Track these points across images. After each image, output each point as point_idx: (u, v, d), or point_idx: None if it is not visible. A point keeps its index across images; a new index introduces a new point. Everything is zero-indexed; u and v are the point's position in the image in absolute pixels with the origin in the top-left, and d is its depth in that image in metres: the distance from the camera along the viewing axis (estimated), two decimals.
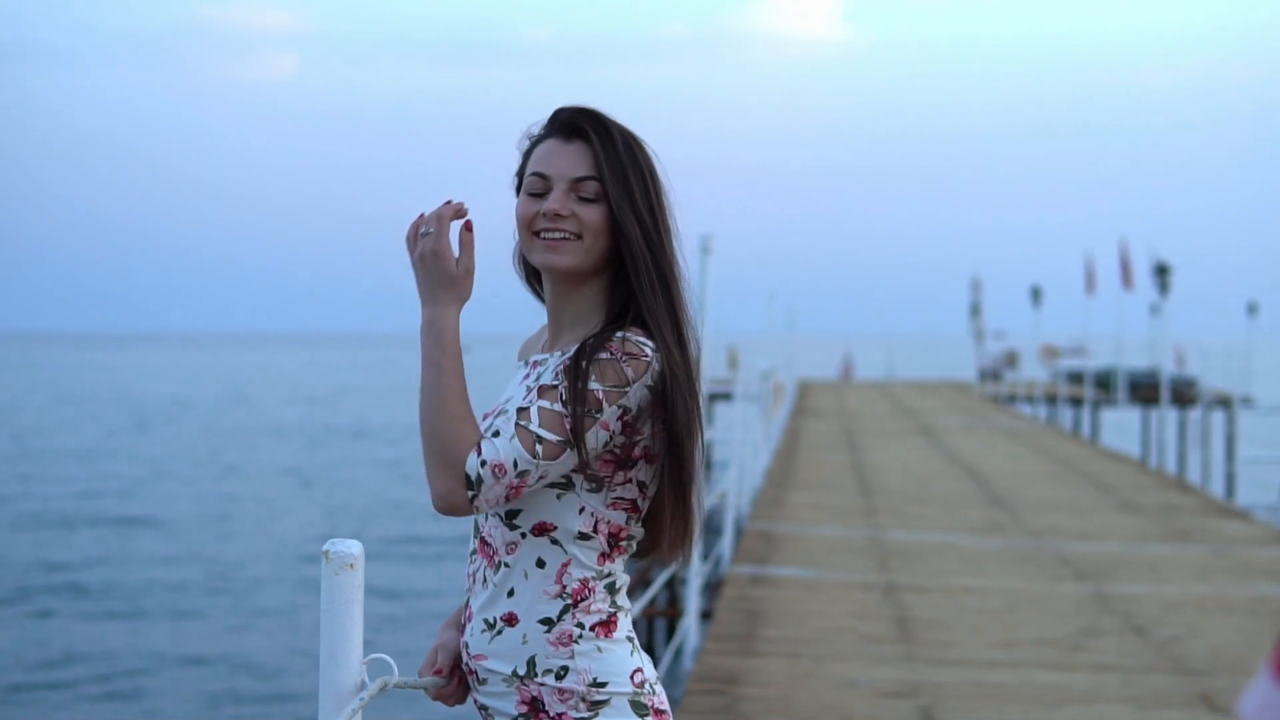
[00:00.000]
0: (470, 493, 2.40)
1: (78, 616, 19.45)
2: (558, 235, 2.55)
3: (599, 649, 2.48)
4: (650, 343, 2.48)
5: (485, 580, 2.55)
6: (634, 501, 2.52)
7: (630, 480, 2.51)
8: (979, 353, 49.05)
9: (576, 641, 2.48)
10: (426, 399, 2.45)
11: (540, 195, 2.57)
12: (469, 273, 2.51)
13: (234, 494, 34.17)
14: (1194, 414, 28.84)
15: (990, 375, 47.13)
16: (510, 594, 2.51)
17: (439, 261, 2.48)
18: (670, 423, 2.48)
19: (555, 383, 2.46)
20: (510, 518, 2.51)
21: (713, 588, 12.17)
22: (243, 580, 22.17)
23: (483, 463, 2.40)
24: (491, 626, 2.52)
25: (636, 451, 2.49)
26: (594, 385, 2.43)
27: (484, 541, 2.56)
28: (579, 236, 2.54)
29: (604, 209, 2.54)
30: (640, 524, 2.55)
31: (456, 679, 2.64)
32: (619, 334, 2.48)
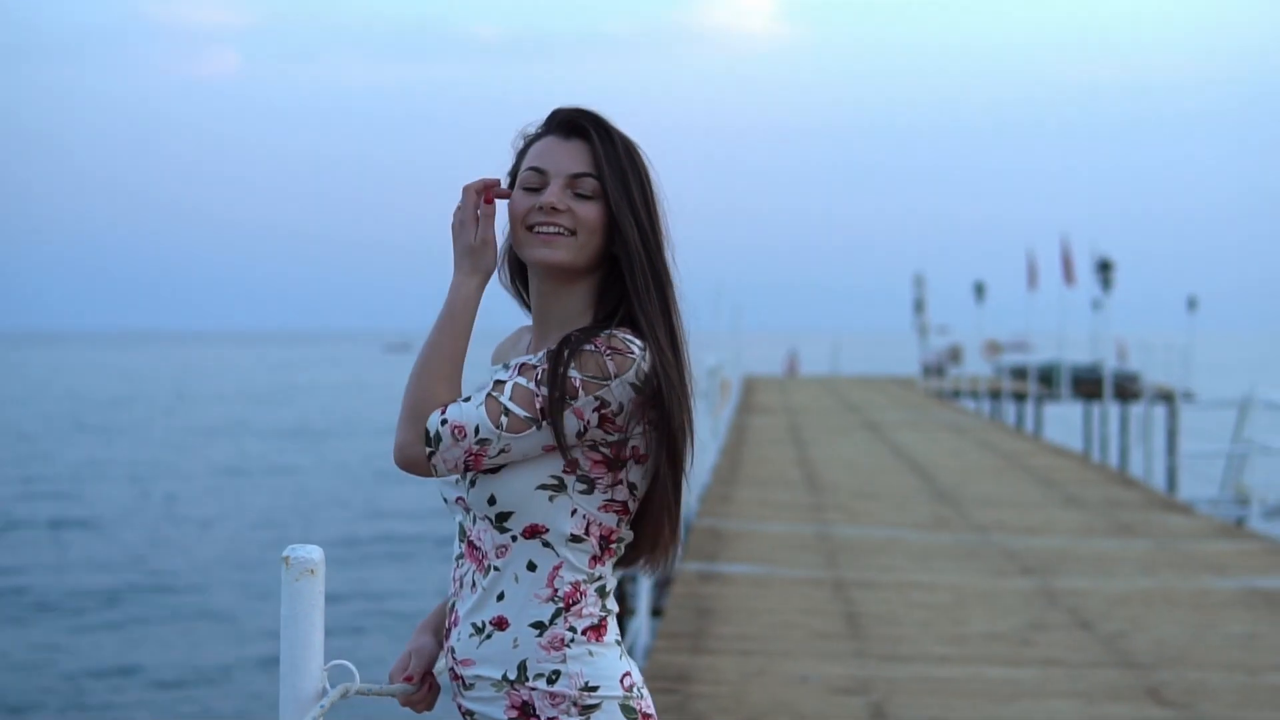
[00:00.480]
0: (429, 449, 2.40)
1: (8, 622, 19.12)
2: (552, 230, 2.52)
3: (590, 653, 2.46)
4: (638, 341, 2.45)
5: (474, 584, 2.51)
6: (625, 504, 2.50)
7: (621, 482, 2.48)
8: (923, 348, 49.27)
9: (568, 645, 2.45)
10: (420, 355, 2.46)
11: (536, 190, 2.53)
12: (485, 243, 2.51)
13: (173, 494, 33.62)
14: (1136, 408, 29.06)
15: (934, 370, 47.37)
16: (500, 598, 2.48)
17: (462, 232, 2.51)
18: (664, 425, 2.46)
19: (536, 363, 2.44)
20: (501, 520, 2.48)
21: (662, 585, 12.17)
22: (184, 585, 21.77)
23: (443, 421, 2.39)
24: (480, 631, 2.48)
25: (626, 452, 2.47)
26: (572, 373, 2.40)
27: (472, 545, 2.53)
28: (573, 232, 2.51)
29: (600, 207, 2.52)
30: (630, 527, 2.53)
31: (426, 685, 2.61)
32: (606, 330, 2.46)
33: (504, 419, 2.38)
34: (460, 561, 2.55)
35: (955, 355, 50.27)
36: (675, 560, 2.62)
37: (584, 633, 2.47)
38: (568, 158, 2.53)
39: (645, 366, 2.44)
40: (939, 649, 8.48)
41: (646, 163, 2.57)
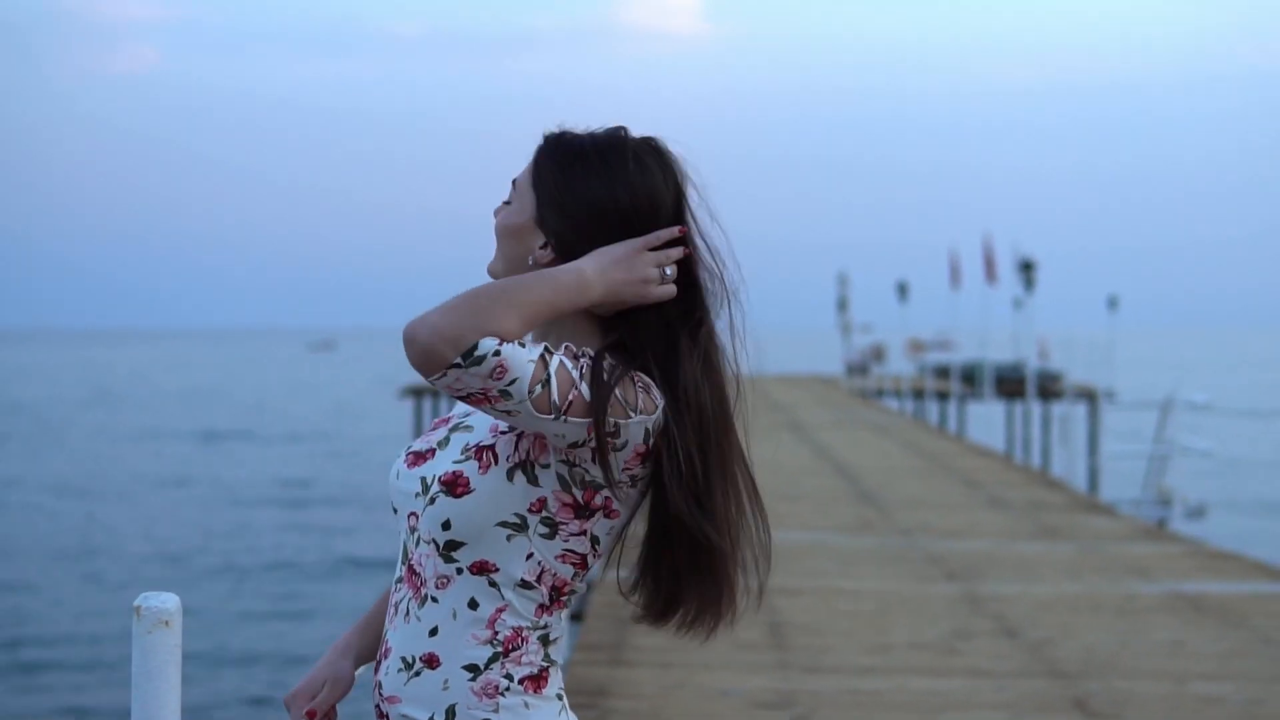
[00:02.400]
0: (459, 359, 2.11)
1: None
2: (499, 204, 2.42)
3: (526, 704, 2.24)
4: (658, 395, 2.27)
5: (408, 613, 2.28)
6: (584, 557, 2.28)
7: (585, 533, 2.26)
8: (846, 347, 49.39)
9: (503, 694, 2.23)
10: (513, 281, 2.21)
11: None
12: (646, 283, 2.29)
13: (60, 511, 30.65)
14: (1058, 407, 29.19)
15: (857, 369, 47.47)
16: (434, 633, 2.25)
17: (641, 298, 2.28)
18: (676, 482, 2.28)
19: (580, 354, 2.22)
20: (449, 549, 2.25)
21: (584, 591, 11.98)
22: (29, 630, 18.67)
23: (497, 352, 2.12)
24: (409, 666, 2.26)
25: (597, 501, 2.26)
26: (617, 392, 2.21)
27: (412, 570, 2.30)
28: (508, 203, 2.38)
29: (508, 210, 2.38)
30: (584, 580, 2.32)
31: (326, 717, 2.41)
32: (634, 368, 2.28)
33: (539, 389, 2.14)
34: (399, 586, 2.32)
35: (879, 354, 50.44)
36: (735, 619, 2.45)
37: (521, 682, 2.24)
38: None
39: (661, 416, 2.26)
40: (863, 659, 8.31)
41: (615, 162, 2.34)
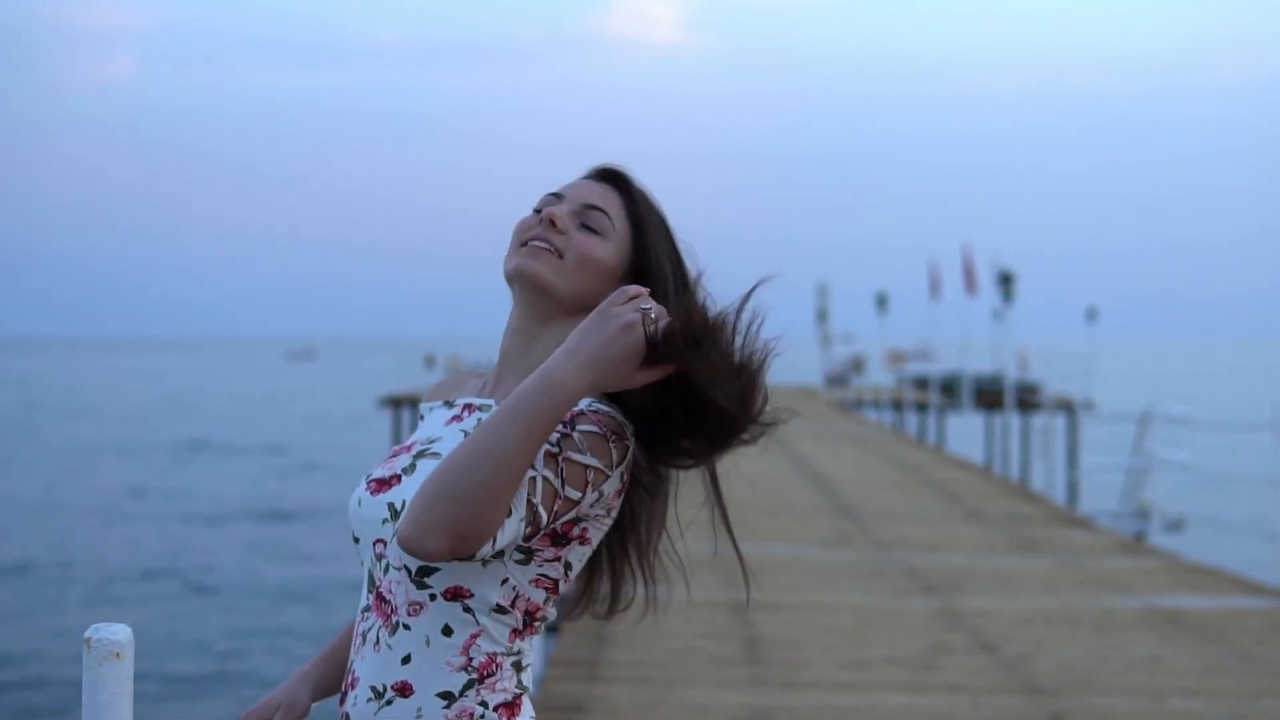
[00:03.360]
0: (454, 558, 2.09)
1: None
2: (543, 245, 2.31)
3: None
4: (621, 417, 2.24)
5: (378, 642, 2.23)
6: (557, 582, 2.25)
7: (559, 559, 2.24)
8: (825, 358, 49.41)
9: None
10: (499, 453, 2.06)
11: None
12: (630, 380, 2.15)
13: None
14: (1038, 419, 29.21)
15: (837, 380, 47.49)
16: (406, 660, 2.21)
17: (635, 348, 2.12)
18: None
19: (556, 451, 2.15)
20: (421, 575, 2.20)
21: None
22: None
23: (494, 548, 2.10)
24: (380, 695, 2.21)
25: (575, 532, 2.23)
26: (590, 462, 2.16)
27: (381, 598, 2.25)
28: (561, 255, 2.30)
29: (602, 246, 2.32)
30: (555, 606, 2.29)
31: None
32: (591, 404, 2.22)
33: (526, 527, 2.13)
34: (366, 615, 2.27)
35: (858, 365, 50.52)
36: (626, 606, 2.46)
37: (496, 709, 2.21)
38: (589, 191, 2.35)
39: (633, 450, 2.24)
40: (840, 675, 8.27)
41: (678, 241, 2.40)
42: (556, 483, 2.13)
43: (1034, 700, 7.73)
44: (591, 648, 8.66)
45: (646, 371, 2.13)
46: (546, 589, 2.23)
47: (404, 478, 2.25)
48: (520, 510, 2.11)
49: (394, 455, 2.34)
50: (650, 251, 2.34)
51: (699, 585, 11.11)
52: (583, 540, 2.24)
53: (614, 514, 2.27)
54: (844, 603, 10.51)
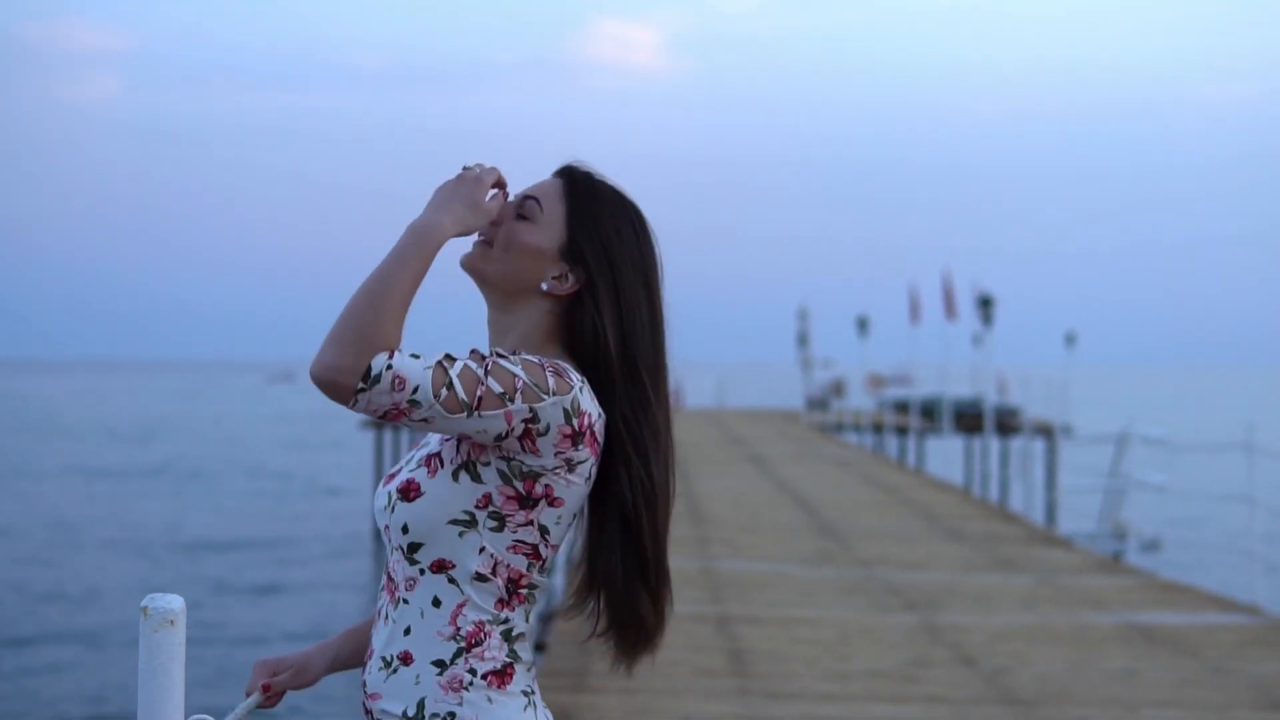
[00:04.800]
0: (360, 385, 2.28)
1: None
2: (480, 238, 2.54)
3: (489, 699, 2.39)
4: (579, 376, 2.43)
5: (387, 617, 2.46)
6: (535, 547, 2.43)
7: (531, 522, 2.41)
8: (806, 381, 49.59)
9: (467, 689, 2.38)
10: (375, 281, 2.33)
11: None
12: (489, 214, 2.48)
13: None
14: (1016, 443, 29.44)
15: (818, 404, 47.68)
16: (407, 632, 2.42)
17: (477, 186, 2.45)
18: (617, 481, 2.46)
19: (487, 355, 2.38)
20: (411, 551, 2.42)
21: (545, 620, 12.05)
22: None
23: (389, 366, 2.28)
24: (388, 665, 2.43)
25: (539, 490, 2.40)
26: (518, 371, 2.35)
27: (389, 577, 2.48)
28: (492, 244, 2.52)
29: (531, 230, 2.51)
30: (543, 573, 2.47)
31: (274, 696, 2.58)
32: (555, 360, 2.44)
33: (444, 392, 2.30)
34: (381, 594, 2.51)
35: (839, 389, 50.69)
36: (655, 650, 2.58)
37: (484, 677, 2.39)
38: (538, 184, 2.56)
39: (583, 400, 2.40)
40: (823, 686, 8.44)
41: (638, 224, 2.56)
42: (479, 372, 2.32)
43: (1012, 711, 7.91)
44: (579, 659, 8.82)
45: (492, 206, 2.47)
46: (525, 554, 2.41)
47: (404, 469, 2.49)
48: (428, 362, 2.30)
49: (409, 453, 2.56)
50: (580, 229, 2.51)
51: (684, 600, 11.28)
52: (550, 500, 2.41)
53: (581, 474, 2.42)
54: (826, 617, 10.68)
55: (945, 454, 34.32)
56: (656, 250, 2.57)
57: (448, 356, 2.34)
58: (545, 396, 2.36)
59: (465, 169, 2.49)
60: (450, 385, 2.30)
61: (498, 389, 2.32)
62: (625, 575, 2.49)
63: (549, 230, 2.52)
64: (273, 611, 22.14)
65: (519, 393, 2.33)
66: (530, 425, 2.35)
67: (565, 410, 2.37)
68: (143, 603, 2.23)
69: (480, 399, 2.31)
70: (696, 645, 9.44)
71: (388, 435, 32.93)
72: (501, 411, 2.32)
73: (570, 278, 2.50)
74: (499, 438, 2.35)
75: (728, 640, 9.67)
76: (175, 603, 2.25)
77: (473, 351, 2.39)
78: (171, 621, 2.23)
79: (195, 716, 2.34)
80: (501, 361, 2.35)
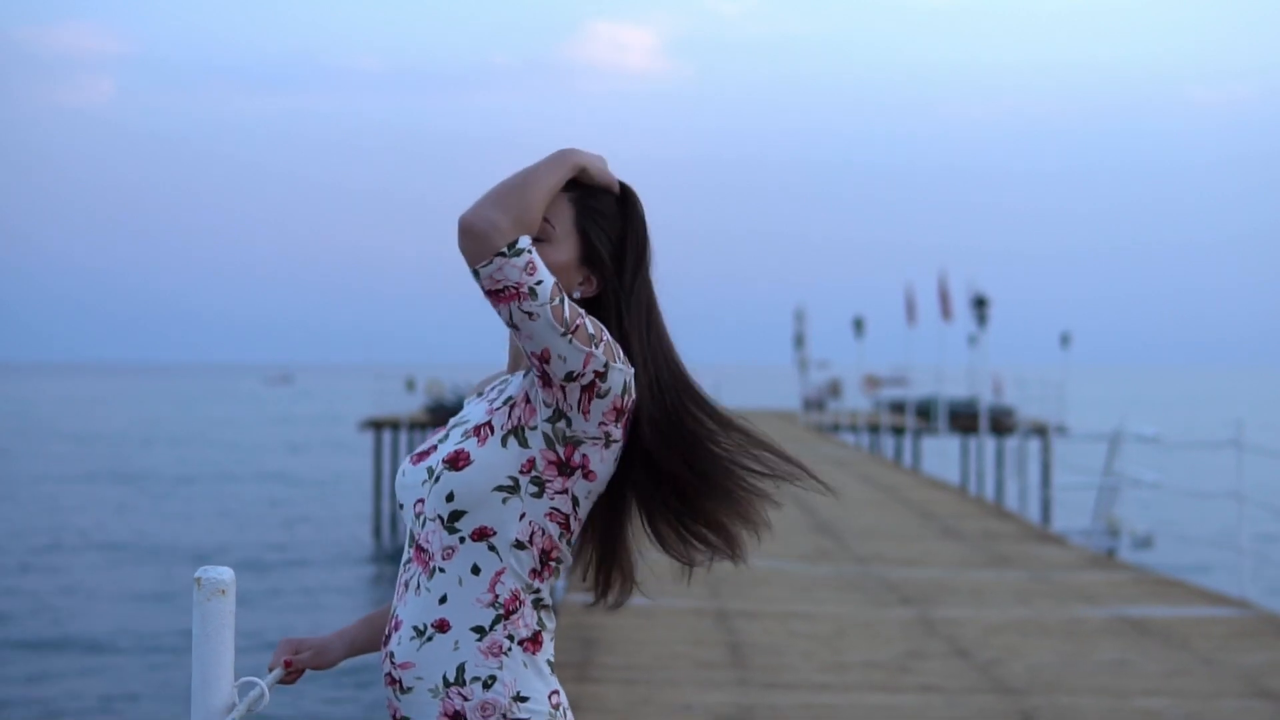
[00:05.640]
0: (503, 251, 2.49)
1: None
2: None
3: (525, 664, 2.56)
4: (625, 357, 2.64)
5: (418, 587, 2.60)
6: (568, 517, 2.62)
7: (566, 491, 2.60)
8: (803, 382, 49.77)
9: (506, 654, 2.55)
10: (530, 173, 2.56)
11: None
12: (606, 178, 2.70)
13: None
14: (1011, 442, 29.64)
15: (814, 405, 47.88)
16: (443, 600, 2.57)
17: (593, 162, 2.68)
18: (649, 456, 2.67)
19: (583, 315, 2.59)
20: (453, 520, 2.58)
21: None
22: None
23: (530, 250, 2.50)
24: (422, 634, 2.57)
25: (576, 458, 2.60)
26: (606, 335, 2.57)
27: (419, 548, 2.62)
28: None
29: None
30: (570, 546, 2.65)
31: (294, 672, 2.74)
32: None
33: (558, 301, 2.51)
34: (407, 566, 2.64)
35: (835, 390, 50.88)
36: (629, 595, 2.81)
37: (520, 643, 2.56)
38: (552, 206, 2.71)
39: (631, 384, 2.61)
40: (820, 677, 8.64)
41: (638, 213, 2.75)
42: (580, 311, 2.55)
43: (1005, 700, 8.11)
44: (582, 651, 9.02)
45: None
46: (559, 523, 2.61)
47: (439, 445, 2.66)
48: (543, 266, 2.52)
49: (432, 434, 2.75)
50: (589, 236, 2.69)
51: (684, 596, 11.51)
52: (585, 472, 2.61)
53: (613, 453, 2.63)
54: (823, 612, 10.88)
55: (941, 454, 34.53)
56: (649, 231, 2.76)
57: (557, 286, 2.54)
58: (617, 362, 2.57)
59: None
60: (563, 301, 2.52)
61: (590, 330, 2.54)
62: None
63: (566, 244, 2.68)
64: (271, 615, 22.31)
65: (603, 344, 2.55)
66: (597, 379, 2.55)
67: (625, 383, 2.59)
68: (196, 574, 2.43)
69: (576, 328, 2.52)
70: (696, 639, 9.63)
71: (386, 436, 33.12)
72: (586, 350, 2.53)
73: (594, 280, 2.69)
74: (569, 376, 2.54)
75: (727, 634, 9.87)
76: (226, 574, 2.45)
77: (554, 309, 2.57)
78: (222, 590, 2.43)
79: (243, 679, 2.53)
80: (585, 323, 2.55)
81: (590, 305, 2.69)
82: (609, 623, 10.07)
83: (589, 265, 2.70)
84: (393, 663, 2.60)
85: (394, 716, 2.62)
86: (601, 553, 2.77)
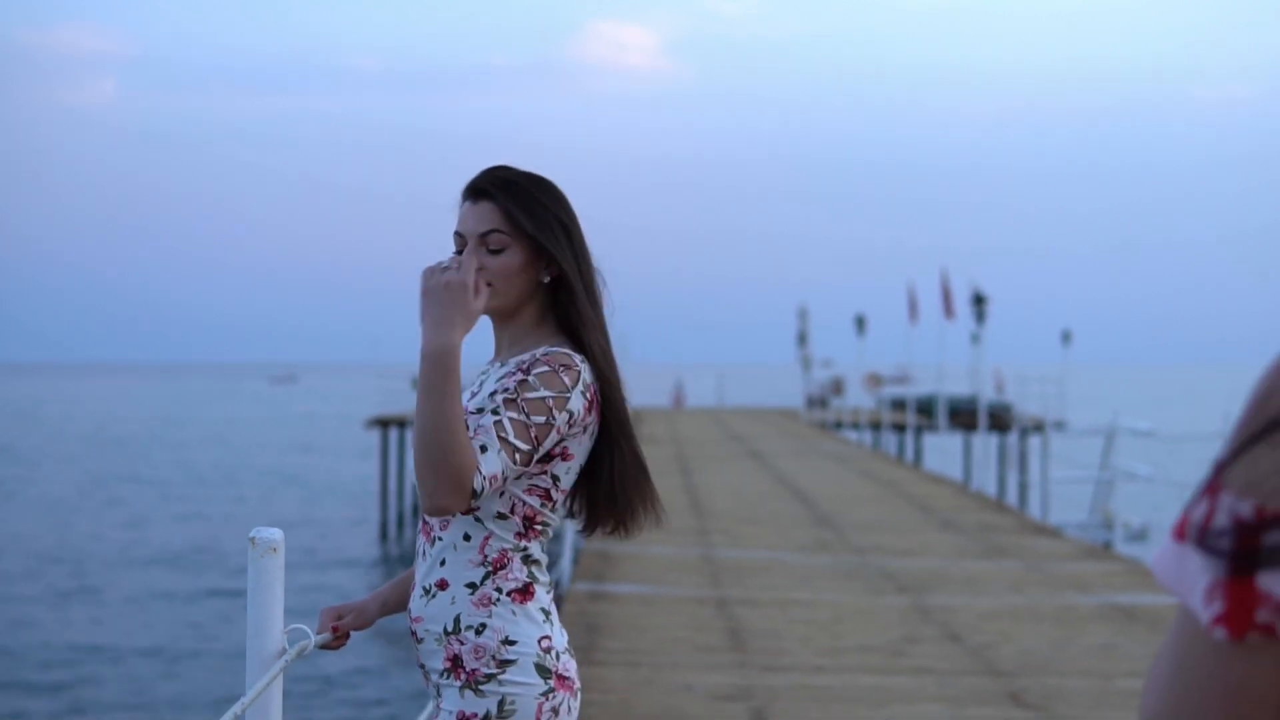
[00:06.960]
0: (473, 504, 2.82)
1: None
2: (485, 284, 3.01)
3: (513, 612, 2.91)
4: (576, 355, 2.95)
5: (424, 553, 2.99)
6: (548, 491, 2.97)
7: (545, 473, 2.96)
8: (806, 380, 50.02)
9: (494, 604, 2.91)
10: (434, 424, 2.79)
11: (461, 253, 3.03)
12: (480, 311, 2.92)
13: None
14: (1011, 437, 29.94)
15: (817, 402, 48.13)
16: (443, 564, 2.94)
17: (465, 294, 2.87)
18: (612, 414, 2.99)
19: (514, 394, 2.89)
20: None
21: (555, 602, 12.54)
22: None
23: (483, 478, 2.80)
24: (428, 592, 2.95)
25: (556, 449, 2.95)
26: (545, 393, 2.88)
27: (425, 521, 3.01)
28: (490, 284, 2.99)
29: (511, 256, 2.99)
30: (554, 512, 3.00)
31: (342, 636, 3.06)
32: (544, 349, 2.95)
33: (517, 456, 2.85)
34: (419, 537, 3.03)
35: (837, 387, 51.14)
36: (656, 520, 3.16)
37: (509, 594, 2.91)
38: (475, 220, 3.01)
39: (586, 375, 2.95)
40: (817, 660, 8.95)
41: (558, 194, 3.07)
42: (522, 418, 2.87)
43: (995, 681, 8.42)
44: (585, 636, 9.33)
45: (479, 301, 2.91)
46: (539, 496, 2.97)
47: None
48: (494, 445, 2.83)
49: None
50: (541, 230, 3.00)
51: (685, 585, 11.80)
52: (564, 456, 2.98)
53: (590, 433, 2.98)
54: (821, 600, 11.19)
55: (943, 450, 34.82)
56: (573, 210, 3.08)
57: (497, 424, 2.84)
58: (569, 395, 2.91)
59: (432, 272, 2.90)
60: (517, 450, 2.84)
61: (540, 419, 2.88)
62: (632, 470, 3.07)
63: (520, 244, 3.00)
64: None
65: (553, 410, 2.89)
66: (571, 421, 2.92)
67: (582, 394, 2.93)
68: (250, 534, 2.76)
69: (536, 438, 2.87)
70: (697, 625, 9.95)
71: (393, 433, 33.42)
72: (553, 430, 2.88)
73: (551, 268, 3.01)
74: (556, 444, 2.92)
75: (727, 620, 10.18)
76: (276, 534, 2.78)
77: (506, 401, 2.87)
78: (274, 549, 2.76)
79: (293, 626, 2.85)
80: (528, 394, 2.87)
81: (555, 285, 3.00)
82: (612, 610, 10.39)
83: (546, 257, 3.01)
84: (410, 617, 2.99)
85: (418, 663, 2.99)
86: (590, 497, 3.11)
